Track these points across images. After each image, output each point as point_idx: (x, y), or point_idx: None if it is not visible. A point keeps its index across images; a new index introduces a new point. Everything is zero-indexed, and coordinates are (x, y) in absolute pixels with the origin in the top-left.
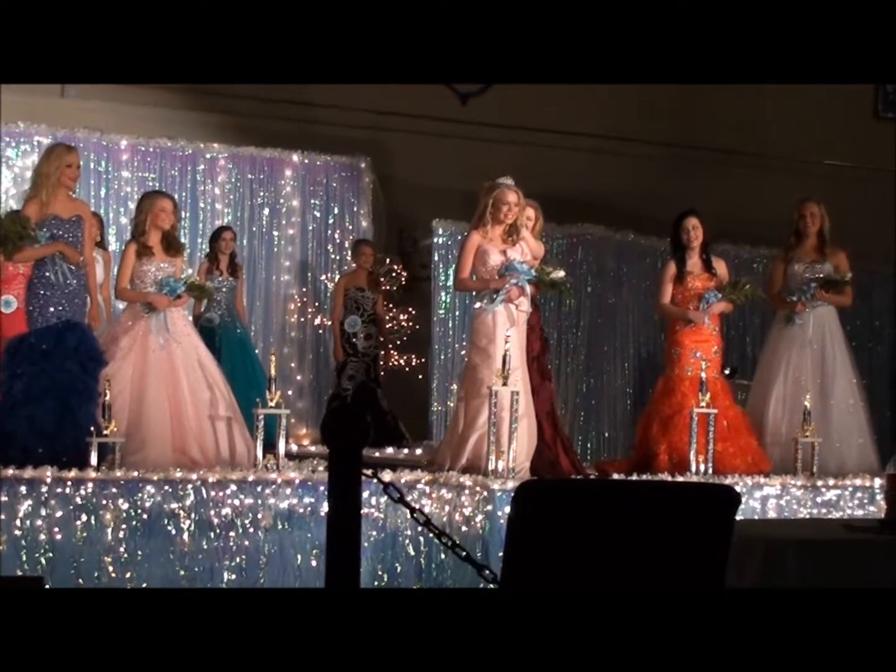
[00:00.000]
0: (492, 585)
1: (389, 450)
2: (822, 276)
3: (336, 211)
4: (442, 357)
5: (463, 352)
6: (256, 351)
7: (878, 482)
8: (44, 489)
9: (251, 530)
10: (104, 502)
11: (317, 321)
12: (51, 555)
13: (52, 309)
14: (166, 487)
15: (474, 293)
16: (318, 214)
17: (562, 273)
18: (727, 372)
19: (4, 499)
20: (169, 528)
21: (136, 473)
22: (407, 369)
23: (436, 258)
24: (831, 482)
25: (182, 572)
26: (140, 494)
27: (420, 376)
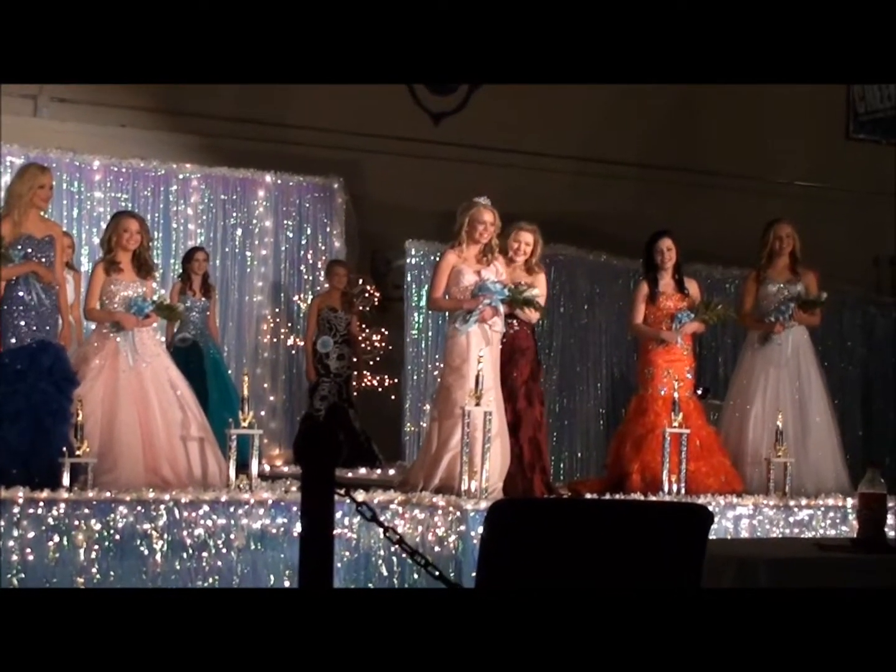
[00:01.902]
0: None
1: (362, 470)
2: (797, 295)
3: (309, 231)
4: (415, 377)
5: (436, 372)
6: (229, 371)
7: (850, 502)
8: (15, 510)
9: (224, 551)
10: (76, 523)
11: (289, 342)
12: (23, 575)
13: (25, 329)
14: (139, 508)
15: (447, 314)
16: (290, 235)
17: (535, 291)
18: (700, 392)
19: None
20: (142, 548)
21: (108, 494)
22: (380, 390)
23: (409, 279)
24: (804, 502)
25: None
26: (112, 515)
27: (393, 397)
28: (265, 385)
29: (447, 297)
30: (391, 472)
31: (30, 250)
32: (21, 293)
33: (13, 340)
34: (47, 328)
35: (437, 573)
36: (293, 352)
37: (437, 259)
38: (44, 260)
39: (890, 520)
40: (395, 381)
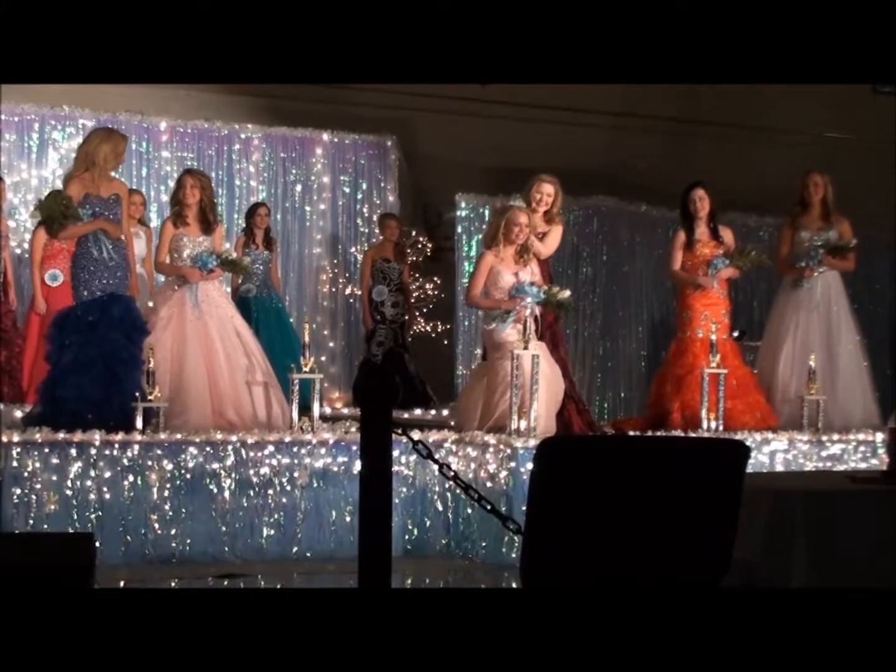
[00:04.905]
0: (516, 537)
1: (417, 411)
2: (826, 241)
3: (364, 187)
4: (466, 323)
5: (482, 315)
6: (291, 320)
7: (879, 436)
8: (93, 451)
9: (288, 488)
10: (150, 463)
11: (347, 291)
12: (100, 513)
13: (96, 283)
14: (208, 449)
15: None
16: (347, 190)
17: (567, 293)
18: (736, 334)
19: (56, 461)
20: (211, 486)
21: (179, 436)
22: (433, 335)
23: (459, 230)
24: (836, 437)
25: (223, 528)
26: (183, 456)
27: (445, 341)
28: (325, 332)
29: (486, 295)
30: (444, 412)
31: (97, 209)
32: (92, 249)
33: (85, 294)
34: (117, 281)
35: (489, 507)
36: (351, 300)
37: (488, 213)
38: (111, 217)
39: None
40: (448, 326)
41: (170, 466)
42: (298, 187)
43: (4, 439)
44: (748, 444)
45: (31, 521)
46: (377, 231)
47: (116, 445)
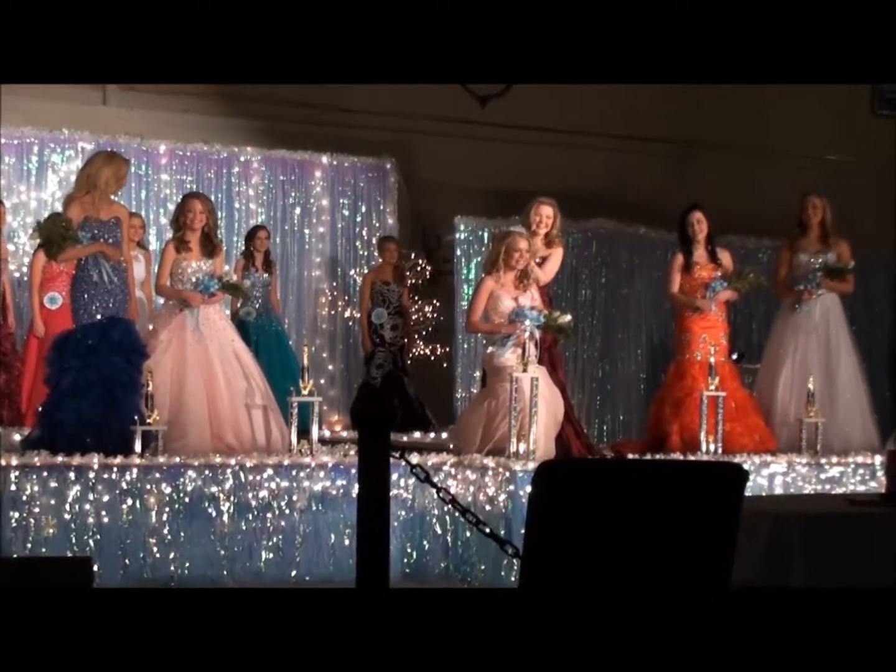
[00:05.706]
0: (515, 560)
1: (416, 434)
2: (826, 264)
3: (363, 210)
4: (465, 346)
5: (484, 342)
6: (290, 342)
7: (878, 459)
8: (91, 475)
9: (287, 512)
10: (148, 487)
11: (346, 314)
12: (98, 537)
13: (96, 305)
14: (207, 472)
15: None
16: (346, 213)
17: (568, 317)
18: (735, 356)
19: (54, 485)
20: (209, 510)
21: (177, 459)
22: (432, 358)
23: (458, 253)
24: (834, 459)
25: (222, 552)
26: (182, 479)
27: (445, 364)
28: (324, 355)
29: (485, 320)
30: (444, 435)
31: (97, 232)
32: (91, 272)
33: (85, 317)
34: (117, 304)
35: (487, 531)
36: (350, 323)
37: (487, 236)
38: (111, 241)
39: None
40: (447, 349)
41: (168, 490)
42: (297, 210)
43: (3, 462)
44: (747, 466)
45: (30, 545)
46: (376, 254)
47: (115, 469)
